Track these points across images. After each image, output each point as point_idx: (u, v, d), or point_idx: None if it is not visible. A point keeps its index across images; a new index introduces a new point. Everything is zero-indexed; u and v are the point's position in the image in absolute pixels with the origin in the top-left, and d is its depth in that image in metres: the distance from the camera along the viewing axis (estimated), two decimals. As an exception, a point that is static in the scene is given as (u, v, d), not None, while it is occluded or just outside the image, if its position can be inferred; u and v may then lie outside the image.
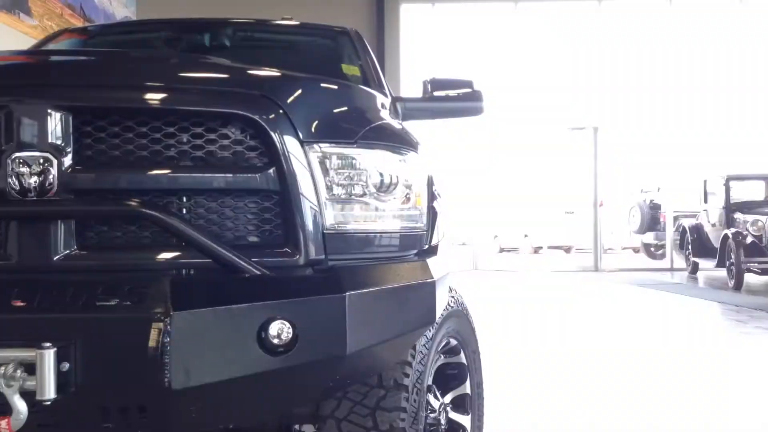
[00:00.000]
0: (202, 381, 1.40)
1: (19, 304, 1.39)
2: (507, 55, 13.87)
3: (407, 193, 1.77)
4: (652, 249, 17.50)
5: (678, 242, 13.73)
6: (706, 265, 12.25)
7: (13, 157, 1.47)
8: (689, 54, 14.15)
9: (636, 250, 20.31)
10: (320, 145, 1.62)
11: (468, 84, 2.89)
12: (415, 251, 1.83)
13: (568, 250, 21.77)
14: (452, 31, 13.86)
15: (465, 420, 2.29)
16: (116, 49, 2.85)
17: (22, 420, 1.33)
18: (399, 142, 1.79)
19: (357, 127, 1.73)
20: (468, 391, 2.31)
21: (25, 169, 1.47)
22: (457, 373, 2.28)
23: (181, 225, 1.46)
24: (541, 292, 10.32)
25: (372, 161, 1.70)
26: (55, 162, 1.47)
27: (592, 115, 14.24)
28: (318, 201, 1.60)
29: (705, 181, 12.66)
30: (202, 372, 1.40)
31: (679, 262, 14.00)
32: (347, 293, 1.50)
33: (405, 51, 12.99)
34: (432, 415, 2.06)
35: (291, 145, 1.57)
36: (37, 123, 1.47)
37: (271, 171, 1.56)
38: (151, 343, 1.35)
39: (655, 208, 17.24)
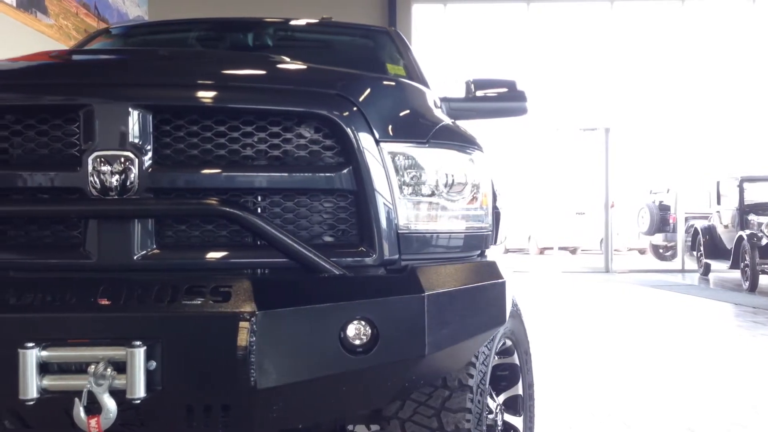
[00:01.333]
0: (286, 380, 1.40)
1: (105, 302, 1.39)
2: (519, 56, 13.83)
3: (474, 193, 1.77)
4: (661, 250, 17.46)
5: (689, 244, 13.71)
6: (719, 266, 12.22)
7: (95, 156, 1.47)
8: (701, 54, 14.10)
9: (642, 252, 20.26)
10: (394, 144, 1.62)
11: (511, 84, 2.88)
12: (480, 251, 1.83)
13: (573, 251, 21.73)
14: (464, 32, 13.84)
15: (517, 422, 2.29)
16: (187, 48, 2.86)
17: (111, 419, 1.33)
18: (466, 142, 1.79)
19: (428, 127, 1.73)
20: (520, 392, 2.31)
21: (106, 168, 1.47)
22: (510, 374, 2.28)
23: (264, 224, 1.46)
24: (557, 293, 10.30)
25: (443, 161, 1.70)
26: (136, 161, 1.47)
27: (603, 116, 14.20)
28: (393, 200, 1.60)
29: (718, 183, 12.64)
30: (286, 371, 1.40)
31: (690, 263, 13.97)
32: (426, 293, 1.50)
33: (417, 52, 12.98)
34: (490, 417, 2.05)
35: (367, 144, 1.56)
36: (119, 122, 1.47)
37: (347, 170, 1.56)
38: (238, 342, 1.35)
39: (664, 209, 17.20)
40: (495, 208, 1.91)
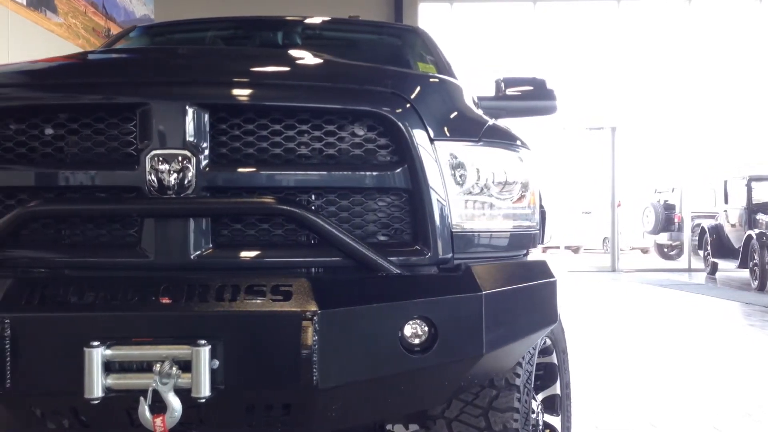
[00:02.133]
0: (347, 380, 1.39)
1: (166, 301, 1.38)
2: (525, 55, 13.82)
3: (523, 192, 1.77)
4: (666, 249, 17.46)
5: (696, 243, 13.71)
6: (726, 265, 12.22)
7: (152, 154, 1.47)
8: (707, 53, 14.09)
9: (644, 251, 20.25)
10: (448, 142, 1.61)
11: (541, 83, 2.88)
12: (527, 250, 1.83)
13: (576, 250, 21.71)
14: (470, 31, 13.83)
15: (555, 421, 2.28)
16: (240, 47, 2.86)
17: (176, 418, 1.33)
18: (514, 140, 1.79)
19: (478, 126, 1.73)
20: (558, 391, 2.30)
21: (164, 167, 1.46)
22: (548, 373, 2.27)
23: (325, 223, 1.46)
24: (566, 293, 10.30)
25: (494, 159, 1.69)
26: (193, 159, 1.47)
27: (610, 115, 14.20)
28: (447, 199, 1.59)
29: (726, 182, 12.63)
30: (347, 371, 1.39)
31: (696, 262, 13.97)
32: (484, 292, 1.50)
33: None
34: (532, 416, 2.05)
35: (422, 142, 1.56)
36: (176, 121, 1.46)
37: (402, 169, 1.55)
38: (301, 342, 1.34)
39: (669, 208, 17.20)
40: (541, 207, 1.91)
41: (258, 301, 1.38)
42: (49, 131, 1.54)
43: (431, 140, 1.57)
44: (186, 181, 1.47)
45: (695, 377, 4.49)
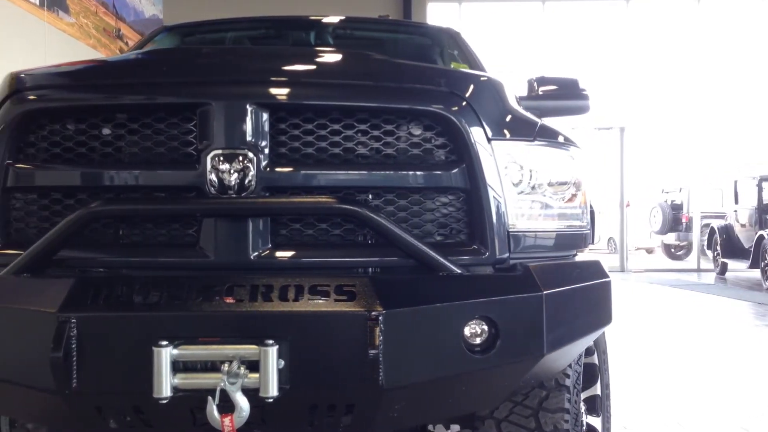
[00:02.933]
0: (411, 380, 1.39)
1: (231, 301, 1.38)
2: (533, 55, 13.81)
3: (574, 192, 1.76)
4: (673, 250, 17.43)
5: (705, 243, 13.68)
6: (736, 266, 12.19)
7: (213, 154, 1.46)
8: (716, 54, 14.05)
9: (649, 251, 20.20)
10: (504, 142, 1.61)
11: (573, 82, 2.87)
12: (579, 250, 1.82)
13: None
14: (479, 30, 13.81)
15: (596, 422, 2.27)
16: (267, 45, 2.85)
17: (244, 417, 1.32)
18: (566, 139, 1.78)
19: (531, 125, 1.72)
20: (598, 392, 2.29)
21: (225, 167, 1.46)
22: (590, 373, 2.26)
23: (388, 224, 1.45)
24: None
25: (548, 159, 1.69)
26: (254, 159, 1.47)
27: (618, 115, 14.16)
28: (504, 199, 1.59)
29: (736, 182, 12.60)
30: (412, 371, 1.39)
31: (704, 262, 13.93)
32: (544, 292, 1.49)
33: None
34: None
35: (480, 142, 1.56)
36: (237, 120, 1.46)
37: (460, 168, 1.55)
38: (367, 342, 1.34)
39: (676, 208, 17.17)
40: (591, 207, 1.90)
41: (322, 301, 1.38)
42: (108, 131, 1.54)
43: (489, 139, 1.57)
44: (247, 181, 1.46)
45: (715, 376, 4.48)
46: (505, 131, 1.63)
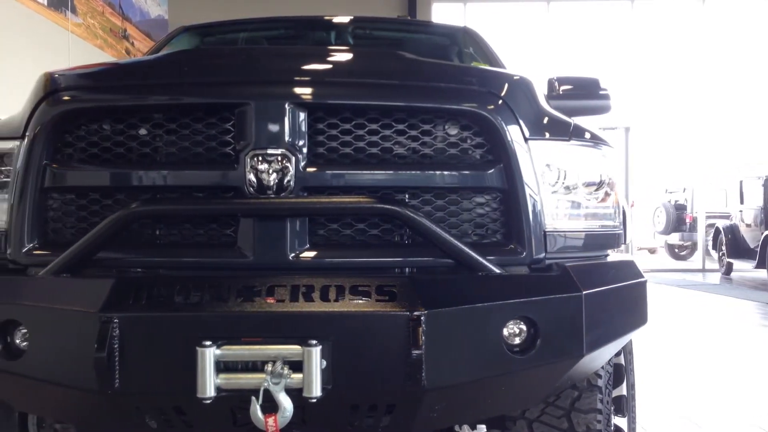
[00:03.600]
0: (453, 380, 1.39)
1: (271, 301, 1.38)
2: (538, 55, 13.80)
3: (608, 191, 1.76)
4: (677, 250, 17.40)
5: (710, 243, 13.67)
6: (742, 266, 12.17)
7: (252, 154, 1.46)
8: (721, 54, 14.04)
9: (652, 251, 20.17)
10: (541, 141, 1.60)
11: (594, 82, 2.86)
12: (611, 250, 1.81)
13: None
14: (483, 31, 13.79)
15: (622, 422, 2.27)
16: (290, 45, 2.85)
17: (287, 418, 1.32)
18: (599, 139, 1.78)
19: (566, 124, 1.72)
20: (624, 392, 2.29)
21: (263, 166, 1.46)
22: (616, 374, 2.26)
23: (429, 224, 1.45)
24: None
25: (583, 158, 1.69)
26: (293, 159, 1.46)
27: (624, 115, 14.15)
28: (540, 199, 1.59)
29: (741, 182, 12.59)
30: (453, 371, 1.39)
31: (709, 263, 13.91)
32: (584, 292, 1.48)
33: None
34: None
35: (518, 141, 1.55)
36: (276, 120, 1.46)
37: (497, 168, 1.55)
38: (409, 342, 1.33)
39: (680, 208, 17.15)
40: (622, 206, 1.90)
41: (363, 301, 1.37)
42: (145, 131, 1.54)
43: (526, 139, 1.57)
44: (285, 181, 1.46)
45: (725, 376, 4.47)
46: (542, 131, 1.62)
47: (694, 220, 15.93)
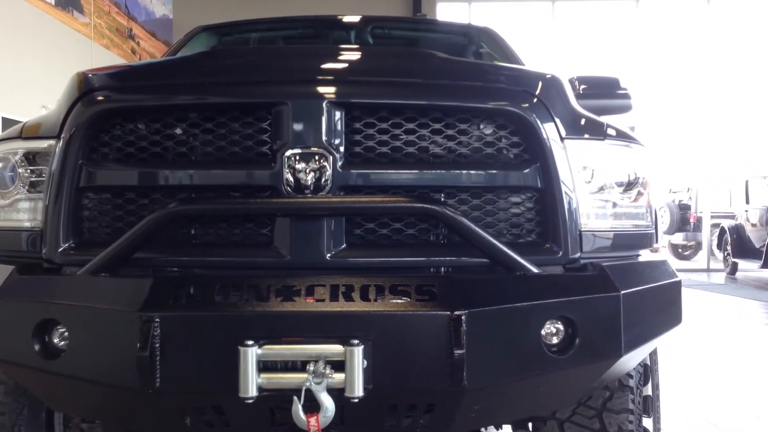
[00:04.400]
0: (494, 380, 1.38)
1: (311, 300, 1.37)
2: (543, 55, 13.79)
3: (640, 191, 1.75)
4: (680, 250, 17.39)
5: (716, 243, 13.65)
6: (747, 266, 12.16)
7: (289, 153, 1.46)
8: (725, 53, 14.03)
9: (654, 251, 20.12)
10: (576, 140, 1.60)
11: (614, 81, 2.86)
12: (643, 250, 1.81)
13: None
14: (488, 30, 13.77)
15: (647, 423, 2.26)
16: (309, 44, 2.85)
17: (329, 417, 1.32)
18: (632, 138, 1.77)
19: (600, 123, 1.71)
20: (649, 392, 2.28)
21: (301, 166, 1.45)
22: (644, 374, 2.25)
23: (469, 224, 1.44)
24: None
25: (617, 157, 1.68)
26: (330, 158, 1.46)
27: (628, 114, 14.11)
28: (576, 198, 1.58)
29: (747, 182, 12.58)
30: (494, 371, 1.38)
31: (713, 263, 13.89)
32: (622, 292, 1.48)
33: (441, 50, 12.90)
34: (634, 417, 2.03)
35: (554, 141, 1.55)
36: (313, 119, 1.45)
37: (534, 167, 1.54)
38: (451, 342, 1.33)
39: (684, 208, 17.13)
40: (653, 206, 1.89)
41: (403, 300, 1.37)
42: (181, 130, 1.53)
43: (562, 138, 1.56)
44: (323, 180, 1.46)
45: (735, 375, 4.47)
46: (577, 130, 1.62)
47: (698, 220, 15.91)
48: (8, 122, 7.04)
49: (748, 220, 12.34)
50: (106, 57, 9.81)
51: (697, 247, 16.35)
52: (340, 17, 3.16)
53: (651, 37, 13.89)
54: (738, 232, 12.64)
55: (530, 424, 1.94)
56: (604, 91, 2.84)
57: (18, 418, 1.86)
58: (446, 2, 13.52)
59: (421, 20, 3.21)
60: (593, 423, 1.81)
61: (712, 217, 14.69)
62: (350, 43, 2.98)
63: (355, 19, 3.14)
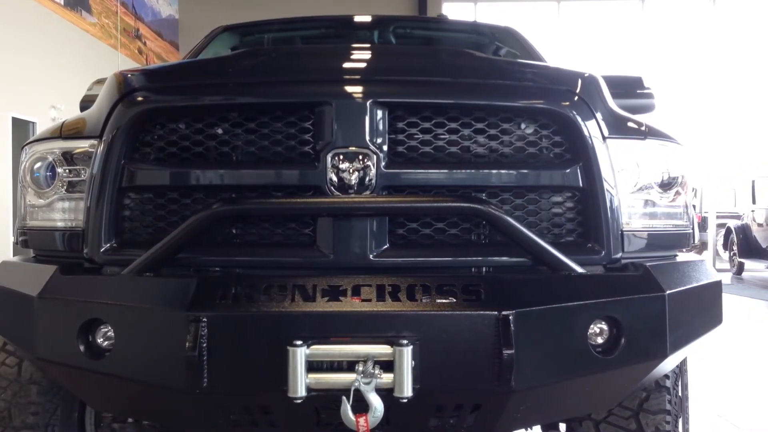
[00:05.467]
0: (541, 381, 1.37)
1: (357, 300, 1.37)
2: (548, 55, 13.78)
3: (679, 190, 1.74)
4: (685, 250, 17.36)
5: (721, 243, 13.64)
6: (753, 266, 12.15)
7: (333, 153, 1.45)
8: (730, 53, 14.02)
9: (694, 250, 20.10)
10: (618, 140, 1.59)
11: (638, 80, 2.85)
12: (681, 249, 1.80)
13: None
14: (494, 30, 13.76)
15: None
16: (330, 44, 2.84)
17: (378, 418, 1.31)
18: (671, 138, 1.77)
19: (639, 122, 1.71)
20: (679, 392, 2.27)
21: (345, 165, 1.45)
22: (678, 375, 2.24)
23: (514, 223, 1.43)
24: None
25: (657, 157, 1.67)
26: (374, 158, 1.45)
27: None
28: (618, 198, 1.57)
29: (753, 182, 12.56)
30: (542, 371, 1.37)
31: (718, 263, 13.88)
32: (667, 292, 1.47)
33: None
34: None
35: (597, 141, 1.54)
36: (358, 119, 1.45)
37: (577, 167, 1.53)
38: (499, 342, 1.32)
39: (688, 208, 17.08)
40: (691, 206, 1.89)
41: (450, 300, 1.36)
42: (223, 130, 1.53)
43: (604, 138, 1.56)
44: (367, 180, 1.45)
45: (749, 374, 4.46)
46: (618, 129, 1.61)
47: (703, 220, 15.89)
48: (18, 122, 7.06)
49: (754, 220, 12.32)
50: (113, 57, 9.82)
51: (702, 246, 16.33)
52: (362, 17, 3.15)
53: (656, 38, 13.88)
54: (744, 232, 12.62)
55: (563, 425, 1.94)
56: (626, 90, 2.82)
57: (52, 418, 1.86)
58: (452, 2, 13.51)
59: (443, 20, 3.20)
60: (629, 424, 1.80)
61: (718, 217, 14.66)
62: (373, 43, 2.98)
63: (377, 18, 3.13)
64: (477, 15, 13.60)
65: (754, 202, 12.47)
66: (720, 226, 13.93)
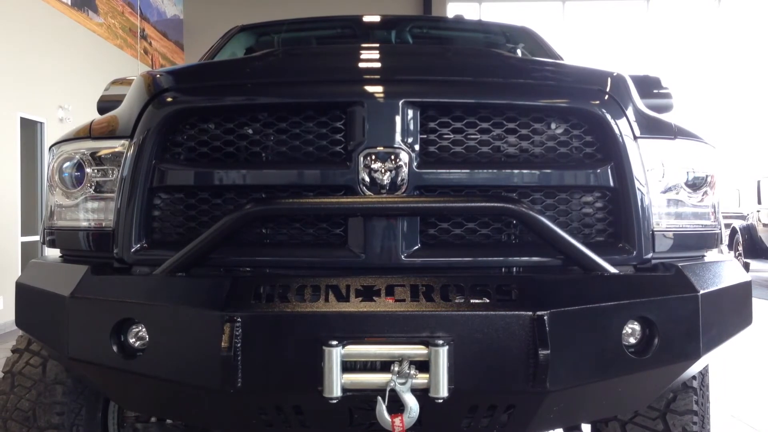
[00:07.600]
0: (575, 381, 1.37)
1: (391, 301, 1.36)
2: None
3: (707, 190, 1.74)
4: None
5: (726, 243, 13.61)
6: (758, 266, 12.12)
7: (365, 153, 1.45)
8: (737, 54, 14.00)
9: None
10: (649, 140, 1.59)
11: (656, 81, 2.84)
12: (710, 250, 1.79)
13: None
14: (498, 30, 13.74)
15: (698, 422, 2.25)
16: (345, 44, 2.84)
17: (413, 418, 1.31)
18: (700, 137, 1.76)
19: (669, 122, 1.70)
20: (705, 393, 2.27)
21: (377, 165, 1.44)
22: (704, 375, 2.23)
23: (548, 223, 1.43)
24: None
25: (687, 157, 1.67)
26: (406, 158, 1.45)
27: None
28: (650, 198, 1.57)
29: (758, 182, 12.54)
30: (576, 372, 1.37)
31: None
32: (700, 292, 1.46)
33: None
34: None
35: (628, 140, 1.54)
36: (390, 119, 1.44)
37: (608, 167, 1.53)
38: (534, 342, 1.32)
39: (693, 209, 17.07)
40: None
41: (485, 301, 1.36)
42: (254, 130, 1.52)
43: (635, 137, 1.55)
44: (399, 180, 1.45)
45: (750, 374, 4.45)
46: (648, 129, 1.61)
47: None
48: (26, 122, 7.06)
49: (759, 220, 12.30)
50: (120, 57, 9.82)
51: (707, 247, 16.30)
52: (378, 17, 3.15)
53: (661, 38, 13.87)
54: (749, 232, 12.60)
55: (588, 425, 1.93)
56: (645, 90, 2.81)
57: (76, 418, 1.86)
58: (456, 2, 13.51)
59: (459, 20, 3.20)
60: (656, 424, 1.80)
61: (722, 217, 14.65)
62: (390, 43, 2.97)
63: (395, 18, 3.13)
64: (482, 15, 13.58)
65: (759, 202, 12.45)
66: (725, 226, 13.91)
